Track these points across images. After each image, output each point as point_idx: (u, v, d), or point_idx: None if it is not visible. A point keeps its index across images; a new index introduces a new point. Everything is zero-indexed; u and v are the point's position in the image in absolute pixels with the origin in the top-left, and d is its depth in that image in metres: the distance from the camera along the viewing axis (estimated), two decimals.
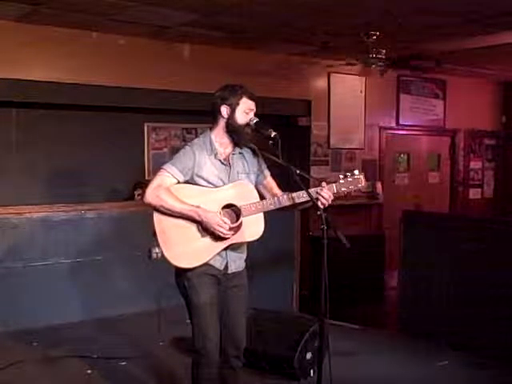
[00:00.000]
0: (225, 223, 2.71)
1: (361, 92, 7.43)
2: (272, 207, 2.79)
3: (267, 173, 2.99)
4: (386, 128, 7.80)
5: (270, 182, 2.97)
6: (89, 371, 3.96)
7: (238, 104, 2.80)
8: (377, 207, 7.71)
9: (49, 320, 4.85)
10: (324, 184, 2.75)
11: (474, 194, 8.91)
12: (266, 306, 4.38)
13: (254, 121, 2.82)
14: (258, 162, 2.96)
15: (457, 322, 4.66)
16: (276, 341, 3.93)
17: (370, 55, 5.63)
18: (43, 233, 5.06)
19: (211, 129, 2.90)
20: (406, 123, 7.99)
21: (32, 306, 4.89)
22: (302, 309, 6.04)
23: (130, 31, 5.43)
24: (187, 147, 2.84)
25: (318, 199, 2.73)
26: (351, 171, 2.79)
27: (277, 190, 2.94)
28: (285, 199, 2.79)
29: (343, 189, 2.77)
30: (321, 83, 7.15)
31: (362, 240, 6.60)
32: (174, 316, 4.59)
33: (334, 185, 2.77)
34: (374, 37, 5.46)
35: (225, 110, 2.82)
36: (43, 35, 5.19)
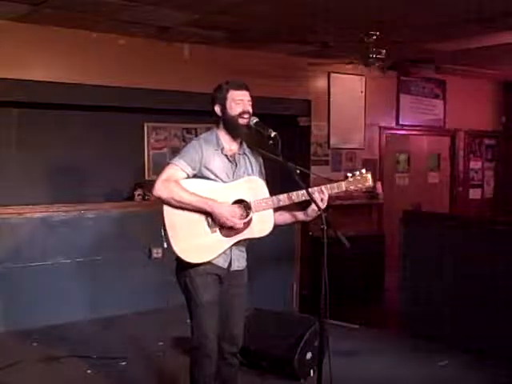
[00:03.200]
0: (234, 212, 2.72)
1: (361, 92, 7.42)
2: (282, 203, 2.82)
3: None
4: (386, 128, 7.80)
5: None
6: (89, 371, 3.96)
7: (226, 98, 2.85)
8: (377, 207, 7.70)
9: (49, 320, 4.85)
10: (323, 187, 2.79)
11: (473, 194, 8.91)
12: (266, 305, 4.38)
13: (254, 121, 2.85)
14: (260, 167, 3.00)
15: (457, 322, 4.66)
16: (276, 341, 3.94)
17: (370, 55, 5.62)
18: (43, 233, 5.07)
19: (217, 128, 2.94)
20: (406, 123, 7.99)
21: (32, 306, 4.89)
22: (302, 309, 6.04)
23: (130, 31, 5.43)
24: (194, 141, 2.89)
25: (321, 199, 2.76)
26: (359, 169, 2.84)
27: None
28: (296, 196, 2.80)
29: (351, 187, 2.83)
30: (321, 83, 7.15)
31: (362, 240, 6.59)
32: (173, 316, 4.60)
33: (342, 183, 2.83)
34: (374, 37, 5.45)
35: (218, 109, 2.88)
36: (43, 35, 5.19)
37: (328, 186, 2.81)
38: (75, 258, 5.17)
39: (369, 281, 6.87)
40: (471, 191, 8.88)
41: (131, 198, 6.04)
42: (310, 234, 6.50)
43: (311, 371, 3.85)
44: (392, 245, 6.63)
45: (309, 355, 3.85)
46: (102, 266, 5.27)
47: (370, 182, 2.83)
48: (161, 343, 4.51)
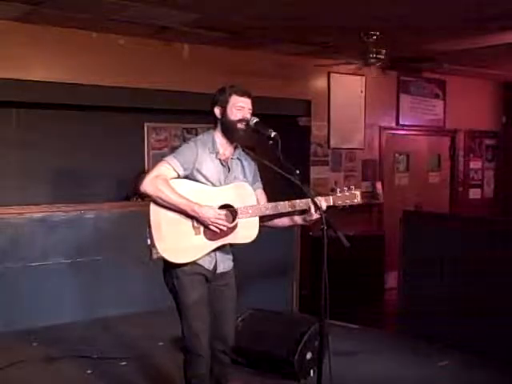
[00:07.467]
0: (219, 215, 2.73)
1: (361, 92, 7.42)
2: (268, 212, 2.83)
3: (259, 185, 3.01)
4: (386, 128, 7.80)
5: (258, 194, 2.97)
6: (88, 371, 3.96)
7: (227, 102, 2.85)
8: (377, 207, 7.71)
9: (49, 320, 4.85)
10: (319, 198, 2.82)
11: (473, 193, 8.91)
12: (266, 305, 4.38)
13: (254, 121, 2.85)
14: (254, 172, 3.00)
15: (457, 322, 4.66)
16: (276, 341, 3.93)
17: (370, 55, 5.62)
18: (43, 233, 5.07)
19: (214, 130, 2.94)
20: (406, 123, 7.99)
21: (32, 306, 4.89)
22: (301, 309, 6.04)
23: (130, 31, 5.43)
24: (190, 142, 2.88)
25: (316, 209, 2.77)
26: (349, 186, 2.90)
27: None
28: (283, 205, 2.82)
29: (339, 202, 2.86)
30: (321, 83, 7.15)
31: (362, 240, 6.60)
32: (173, 316, 4.59)
33: (331, 197, 2.87)
34: (374, 37, 5.45)
35: (218, 111, 2.88)
36: (43, 35, 5.19)
37: (317, 198, 2.82)
38: (75, 258, 5.17)
39: (369, 281, 6.88)
40: (471, 191, 8.88)
41: (131, 198, 6.04)
42: (310, 234, 6.50)
43: (311, 371, 3.85)
44: (392, 245, 6.63)
45: (309, 355, 3.84)
46: (102, 266, 5.27)
47: (358, 199, 2.87)
48: (161, 343, 4.51)
